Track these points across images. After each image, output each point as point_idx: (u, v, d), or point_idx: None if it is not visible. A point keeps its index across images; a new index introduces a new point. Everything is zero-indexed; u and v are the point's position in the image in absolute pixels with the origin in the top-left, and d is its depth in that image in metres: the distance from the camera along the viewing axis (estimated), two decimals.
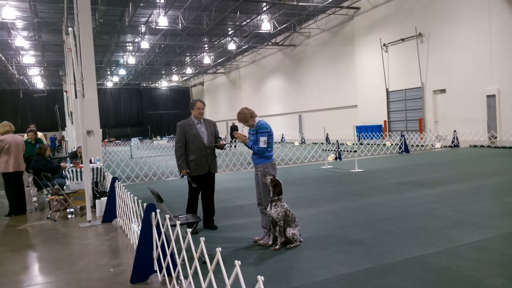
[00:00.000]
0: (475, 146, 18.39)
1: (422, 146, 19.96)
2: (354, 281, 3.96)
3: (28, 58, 37.27)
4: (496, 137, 18.91)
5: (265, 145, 5.32)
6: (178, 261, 3.81)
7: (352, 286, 3.86)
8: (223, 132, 47.13)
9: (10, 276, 4.83)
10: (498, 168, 11.40)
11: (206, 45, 37.75)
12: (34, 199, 9.80)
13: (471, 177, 9.96)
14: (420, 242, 5.03)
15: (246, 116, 5.43)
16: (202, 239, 3.23)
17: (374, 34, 26.71)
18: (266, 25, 30.43)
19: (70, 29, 8.77)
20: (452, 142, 19.17)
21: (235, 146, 26.31)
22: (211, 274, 2.96)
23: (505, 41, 19.12)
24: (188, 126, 6.16)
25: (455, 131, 19.46)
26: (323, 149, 17.16)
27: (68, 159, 10.60)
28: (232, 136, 26.69)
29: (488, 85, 20.04)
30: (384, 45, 26.01)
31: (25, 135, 10.92)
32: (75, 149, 13.36)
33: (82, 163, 9.85)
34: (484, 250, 4.62)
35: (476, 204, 6.96)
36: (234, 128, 27.86)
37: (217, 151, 6.47)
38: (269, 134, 5.38)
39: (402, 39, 24.63)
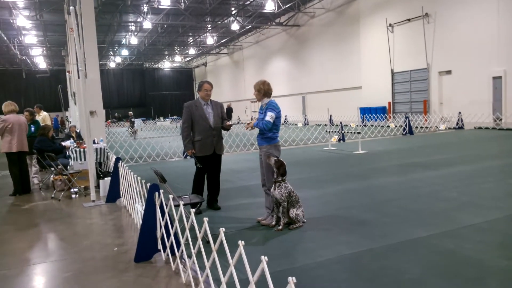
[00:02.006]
0: (479, 128, 18.26)
1: (427, 128, 19.84)
2: (357, 262, 3.97)
3: (30, 38, 36.97)
4: (501, 119, 18.75)
5: (271, 120, 5.27)
6: (182, 241, 3.82)
7: (354, 266, 3.87)
8: None
9: (17, 254, 4.88)
10: (503, 150, 11.34)
11: (209, 25, 37.32)
12: (36, 180, 9.81)
13: (476, 159, 9.91)
14: (424, 223, 5.03)
15: (261, 88, 5.42)
16: (205, 219, 3.22)
17: (380, 14, 26.29)
18: (270, 5, 29.95)
19: (71, 8, 8.63)
20: (457, 124, 19.05)
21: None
22: (214, 254, 2.96)
23: None
24: (194, 107, 6.16)
25: (460, 113, 19.30)
26: (326, 131, 17.11)
27: (71, 139, 10.58)
28: (229, 118, 26.71)
29: (494, 67, 19.79)
30: (390, 25, 25.62)
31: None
32: (78, 130, 13.36)
33: (73, 142, 9.84)
34: (488, 232, 4.61)
35: (481, 186, 6.93)
36: (230, 110, 27.72)
37: (222, 132, 6.46)
38: (277, 115, 5.35)
39: (408, 19, 24.24)
